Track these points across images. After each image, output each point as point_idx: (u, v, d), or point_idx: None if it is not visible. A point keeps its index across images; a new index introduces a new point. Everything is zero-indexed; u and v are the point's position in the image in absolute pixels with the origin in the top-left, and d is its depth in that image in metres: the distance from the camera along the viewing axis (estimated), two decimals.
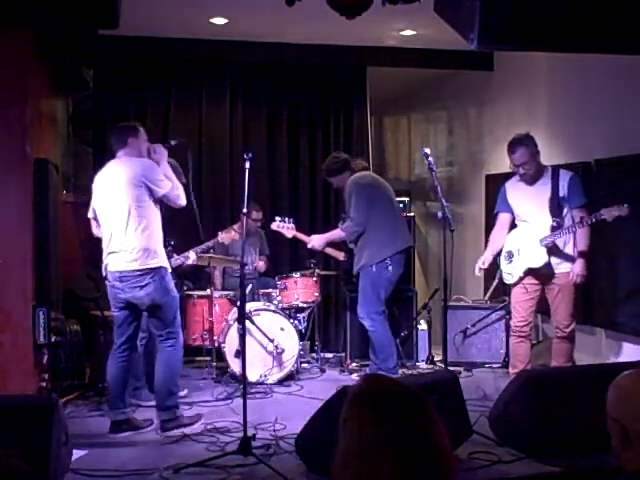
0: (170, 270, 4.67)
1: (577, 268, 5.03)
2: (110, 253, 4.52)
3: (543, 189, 5.11)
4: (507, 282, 5.43)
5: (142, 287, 4.44)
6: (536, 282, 5.22)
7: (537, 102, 6.57)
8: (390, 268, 5.75)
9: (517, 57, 6.45)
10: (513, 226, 5.37)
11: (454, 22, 3.59)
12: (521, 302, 5.29)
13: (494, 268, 5.68)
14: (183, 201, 4.69)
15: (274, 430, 4.54)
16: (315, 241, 6.04)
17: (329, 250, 6.36)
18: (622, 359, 5.42)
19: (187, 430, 4.51)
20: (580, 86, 5.94)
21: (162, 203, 4.71)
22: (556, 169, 5.18)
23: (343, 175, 5.95)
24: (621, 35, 3.57)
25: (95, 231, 4.76)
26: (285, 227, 6.15)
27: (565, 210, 5.08)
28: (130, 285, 4.45)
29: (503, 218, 5.40)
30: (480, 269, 5.55)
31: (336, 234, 6.05)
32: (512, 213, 5.33)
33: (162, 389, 4.57)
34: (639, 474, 1.80)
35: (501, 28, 3.42)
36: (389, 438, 1.48)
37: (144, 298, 4.47)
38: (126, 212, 4.44)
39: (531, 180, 5.15)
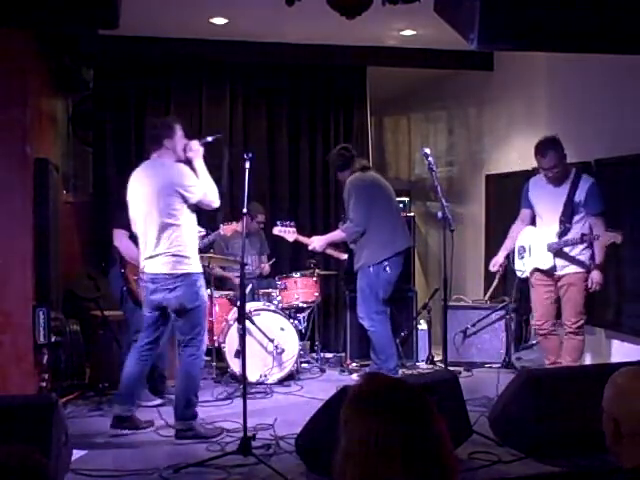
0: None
1: (596, 276, 5.08)
2: (146, 258, 4.50)
3: (562, 191, 5.14)
4: (519, 276, 5.53)
5: (171, 290, 4.43)
6: (551, 280, 5.28)
7: (537, 102, 6.57)
8: (388, 269, 5.74)
9: (517, 57, 6.44)
10: (534, 221, 5.44)
11: (454, 22, 3.59)
12: (538, 300, 5.37)
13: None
14: (216, 203, 4.63)
15: (274, 430, 4.54)
16: (316, 242, 6.03)
17: (330, 251, 6.36)
18: (622, 359, 5.41)
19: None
20: (580, 86, 5.94)
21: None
22: (579, 173, 5.19)
23: (343, 173, 5.94)
24: (621, 35, 3.57)
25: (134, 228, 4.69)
26: (286, 231, 6.14)
27: (580, 216, 5.11)
28: (161, 287, 4.45)
29: (524, 214, 5.46)
30: (493, 269, 5.63)
31: (336, 235, 6.05)
32: (533, 209, 5.39)
33: (180, 398, 4.53)
34: (632, 472, 1.81)
35: (501, 28, 3.42)
36: (390, 438, 1.48)
37: (172, 300, 4.46)
38: (157, 220, 4.41)
39: (556, 182, 5.18)
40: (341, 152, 6.03)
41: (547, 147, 5.08)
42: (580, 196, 5.08)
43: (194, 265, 4.50)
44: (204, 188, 4.52)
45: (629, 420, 1.84)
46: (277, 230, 6.18)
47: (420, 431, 1.49)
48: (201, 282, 4.53)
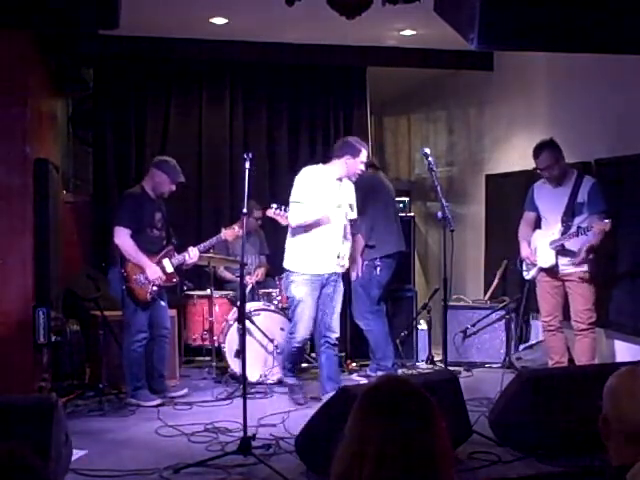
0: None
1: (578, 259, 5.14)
2: None
3: (564, 192, 5.25)
4: (525, 277, 5.59)
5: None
6: (556, 278, 5.34)
7: (537, 102, 6.57)
8: (379, 270, 5.74)
9: (517, 57, 6.44)
10: (539, 224, 5.51)
11: (454, 22, 3.58)
12: (545, 297, 5.45)
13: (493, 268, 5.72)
14: (292, 221, 5.19)
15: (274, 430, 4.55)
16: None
17: None
18: (622, 359, 5.42)
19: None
20: (580, 86, 5.94)
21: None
22: (581, 174, 5.28)
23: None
24: (621, 35, 3.57)
25: None
26: (280, 214, 6.00)
27: (583, 216, 5.16)
28: None
29: (528, 216, 5.54)
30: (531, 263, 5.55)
31: (359, 243, 5.87)
32: (538, 212, 5.48)
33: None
34: (617, 470, 1.82)
35: (501, 28, 3.42)
36: (390, 440, 1.49)
37: None
38: None
39: (556, 182, 5.29)
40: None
41: (541, 148, 5.24)
42: (583, 197, 5.16)
43: (297, 264, 5.23)
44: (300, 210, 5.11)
45: (616, 418, 1.86)
46: (271, 212, 6.02)
47: (421, 435, 1.50)
48: (301, 279, 5.15)
